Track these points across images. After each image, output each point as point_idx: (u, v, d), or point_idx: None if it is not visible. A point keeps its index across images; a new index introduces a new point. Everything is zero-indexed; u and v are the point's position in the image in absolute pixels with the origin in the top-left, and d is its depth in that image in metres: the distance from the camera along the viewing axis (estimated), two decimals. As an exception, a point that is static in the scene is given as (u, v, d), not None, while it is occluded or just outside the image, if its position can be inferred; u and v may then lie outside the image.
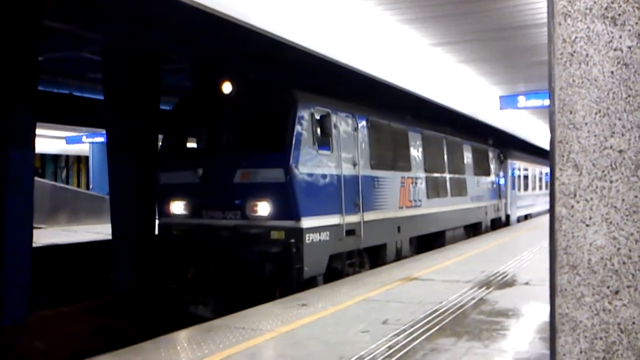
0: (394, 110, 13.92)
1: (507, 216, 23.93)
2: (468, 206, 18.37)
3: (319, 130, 9.97)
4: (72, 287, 15.37)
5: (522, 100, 19.51)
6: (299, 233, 9.45)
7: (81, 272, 16.56)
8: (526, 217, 28.37)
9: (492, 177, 21.74)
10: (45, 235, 19.58)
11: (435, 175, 15.49)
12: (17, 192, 10.44)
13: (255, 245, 9.54)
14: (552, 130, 3.22)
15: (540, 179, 32.08)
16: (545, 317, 6.64)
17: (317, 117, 10.03)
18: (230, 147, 10.25)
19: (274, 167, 9.52)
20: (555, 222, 3.18)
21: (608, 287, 3.09)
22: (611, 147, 3.09)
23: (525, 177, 27.97)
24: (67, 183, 45.54)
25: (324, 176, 10.20)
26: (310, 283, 9.73)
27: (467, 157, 18.71)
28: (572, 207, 3.15)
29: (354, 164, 11.11)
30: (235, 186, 9.88)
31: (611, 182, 3.09)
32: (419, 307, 7.91)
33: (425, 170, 14.72)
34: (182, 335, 6.65)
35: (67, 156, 48.12)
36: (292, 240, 9.35)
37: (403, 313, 7.54)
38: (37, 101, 11.07)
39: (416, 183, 14.06)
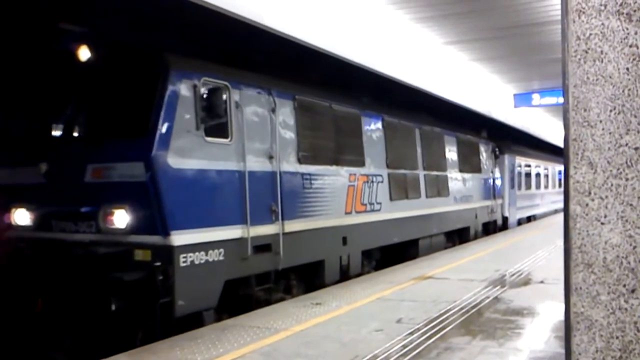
0: (339, 89, 11.35)
1: (505, 219, 21.46)
2: (450, 209, 15.60)
3: (208, 109, 7.49)
4: None
5: (536, 98, 19.40)
6: (168, 253, 6.88)
7: None
8: (529, 219, 25.74)
9: (485, 174, 19.17)
10: None
11: (403, 172, 12.85)
12: None
13: (110, 270, 6.93)
14: (566, 128, 3.20)
15: (547, 175, 29.24)
16: (561, 315, 6.60)
17: (205, 92, 7.54)
18: (81, 134, 7.98)
19: (132, 160, 7.00)
20: (570, 220, 3.16)
21: (624, 286, 3.07)
22: (626, 144, 3.07)
23: (528, 174, 25.13)
24: None
25: (216, 173, 7.68)
26: (195, 321, 7.26)
27: (451, 150, 16.06)
28: (587, 205, 3.13)
29: (270, 157, 8.55)
30: (87, 187, 7.35)
31: (627, 179, 3.07)
32: (433, 305, 7.88)
33: (388, 166, 12.13)
34: (197, 334, 6.69)
35: None
36: (158, 264, 6.83)
37: (417, 312, 7.52)
38: None
39: (373, 182, 11.47)
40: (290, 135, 9.15)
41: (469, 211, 17.31)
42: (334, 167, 10.23)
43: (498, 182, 20.59)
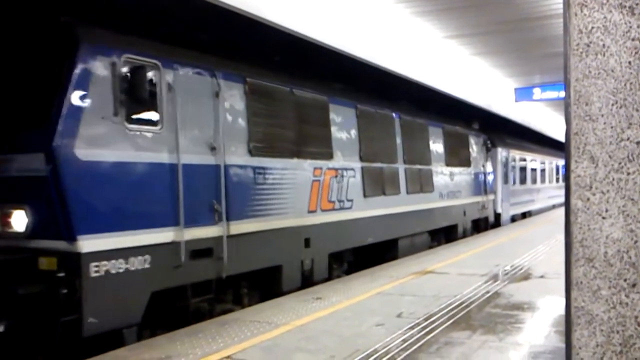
0: (303, 73, 10.13)
1: (498, 215, 20.44)
2: (435, 205, 14.48)
3: (130, 92, 6.42)
4: None
5: (537, 93, 19.34)
6: (75, 261, 5.86)
7: None
8: (524, 215, 24.76)
9: (475, 169, 18.05)
10: None
11: (379, 165, 11.75)
12: None
13: (8, 281, 5.94)
14: (568, 122, 3.19)
15: (543, 170, 28.06)
16: (561, 310, 6.59)
17: (127, 71, 6.47)
18: None
19: (31, 150, 5.98)
20: (571, 215, 3.15)
21: (625, 280, 3.06)
22: (628, 138, 3.05)
23: (523, 169, 24.10)
24: None
25: (141, 167, 6.61)
26: (115, 340, 6.25)
27: (436, 143, 14.98)
28: (588, 199, 3.12)
29: (212, 148, 7.48)
30: None
31: (628, 174, 3.06)
32: (433, 300, 7.88)
33: (362, 160, 11.07)
34: (197, 329, 6.69)
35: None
36: (62, 274, 5.84)
37: (417, 306, 7.52)
38: None
39: (343, 177, 10.39)
40: (239, 123, 7.99)
41: (457, 208, 16.22)
42: (294, 160, 9.09)
43: (490, 177, 19.68)
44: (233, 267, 7.69)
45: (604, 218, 3.09)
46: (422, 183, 13.74)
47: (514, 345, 5.82)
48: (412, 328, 6.46)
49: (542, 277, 9.62)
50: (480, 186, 18.43)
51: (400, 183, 12.63)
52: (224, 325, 6.75)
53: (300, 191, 9.20)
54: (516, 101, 20.07)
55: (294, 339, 6.17)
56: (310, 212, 9.43)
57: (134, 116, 6.54)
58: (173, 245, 6.87)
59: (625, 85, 3.05)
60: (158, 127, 6.82)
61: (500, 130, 22.08)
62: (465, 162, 17.24)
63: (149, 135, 6.71)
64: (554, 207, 30.12)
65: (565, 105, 3.23)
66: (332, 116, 10.29)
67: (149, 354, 5.70)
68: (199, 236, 7.22)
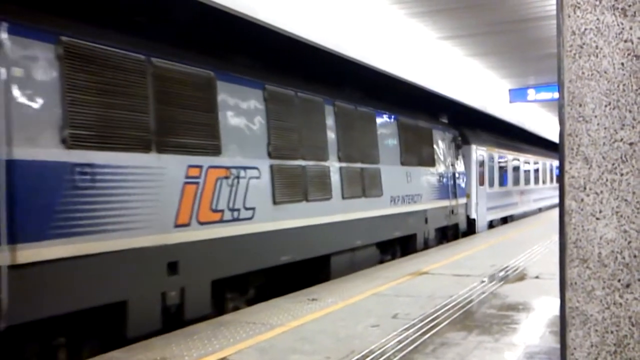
0: (162, 32, 7.85)
1: (473, 221, 18.30)
2: (384, 212, 12.13)
3: None
4: None
5: (531, 94, 19.40)
6: None
7: None
8: (505, 220, 22.64)
9: (441, 168, 15.74)
10: None
11: (299, 163, 9.36)
12: None
13: None
14: (562, 123, 3.20)
15: (528, 170, 26.04)
16: (556, 310, 6.61)
17: None
18: None
19: None
20: (565, 216, 3.17)
21: (619, 281, 3.07)
22: (621, 139, 3.07)
23: (502, 168, 21.88)
24: None
25: None
26: None
27: (387, 137, 12.74)
28: (582, 200, 3.13)
29: None
30: None
31: (622, 175, 3.07)
32: (428, 301, 7.90)
33: (271, 156, 8.70)
34: (193, 330, 6.68)
35: None
36: None
37: (413, 307, 7.53)
38: None
39: (240, 178, 8.04)
40: (44, 100, 5.65)
41: (416, 214, 13.90)
42: (151, 155, 6.74)
43: (462, 178, 17.49)
44: (21, 312, 5.30)
45: (597, 219, 3.10)
46: (365, 185, 11.42)
47: (509, 345, 5.84)
48: (407, 329, 6.47)
49: (537, 277, 9.65)
50: (448, 189, 16.24)
51: (333, 186, 10.23)
52: (219, 327, 6.74)
53: (161, 197, 6.81)
54: (511, 102, 20.12)
55: (290, 340, 6.17)
56: (178, 226, 7.00)
57: None
58: None
59: (618, 86, 3.07)
60: None
61: (477, 126, 20.30)
62: (428, 160, 14.93)
63: None
64: (540, 210, 28.72)
65: (559, 107, 3.24)
66: (223, 97, 7.88)
67: (145, 356, 5.69)
68: None
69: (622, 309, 3.06)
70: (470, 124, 19.58)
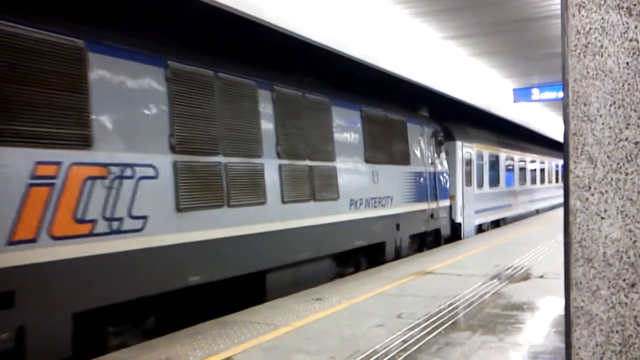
0: None
1: (458, 225, 16.66)
2: (340, 218, 10.36)
3: None
4: None
5: (535, 93, 19.39)
6: None
7: None
8: (497, 223, 21.01)
9: (417, 167, 13.71)
10: None
11: (216, 160, 7.60)
12: None
13: None
14: (566, 122, 3.20)
15: (523, 169, 24.29)
16: (561, 310, 6.61)
17: None
18: None
19: None
20: (570, 215, 3.16)
21: (624, 280, 3.07)
22: (626, 139, 3.06)
23: (494, 168, 20.23)
24: None
25: None
26: None
27: (347, 131, 10.87)
28: (587, 199, 3.13)
29: None
30: None
31: (626, 174, 3.07)
32: (433, 301, 7.89)
33: (175, 150, 6.98)
34: (198, 330, 6.69)
35: None
36: None
37: (417, 307, 7.53)
38: None
39: (123, 178, 6.30)
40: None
41: (384, 220, 11.97)
42: None
43: (444, 178, 15.46)
44: None
45: (602, 218, 3.10)
46: (315, 187, 9.65)
47: (514, 345, 5.83)
48: (412, 329, 6.47)
49: (541, 277, 9.63)
50: (427, 190, 14.16)
51: (268, 187, 8.52)
52: (224, 327, 6.75)
53: None
54: (515, 102, 20.10)
55: (295, 340, 6.18)
56: (14, 242, 5.26)
57: None
58: None
59: (623, 85, 3.07)
60: None
61: (464, 121, 18.70)
62: (401, 158, 12.94)
63: None
64: (537, 212, 27.49)
65: (564, 106, 3.24)
66: (97, 74, 6.18)
67: (149, 356, 5.70)
68: None
69: (628, 308, 3.06)
70: (459, 119, 18.05)
